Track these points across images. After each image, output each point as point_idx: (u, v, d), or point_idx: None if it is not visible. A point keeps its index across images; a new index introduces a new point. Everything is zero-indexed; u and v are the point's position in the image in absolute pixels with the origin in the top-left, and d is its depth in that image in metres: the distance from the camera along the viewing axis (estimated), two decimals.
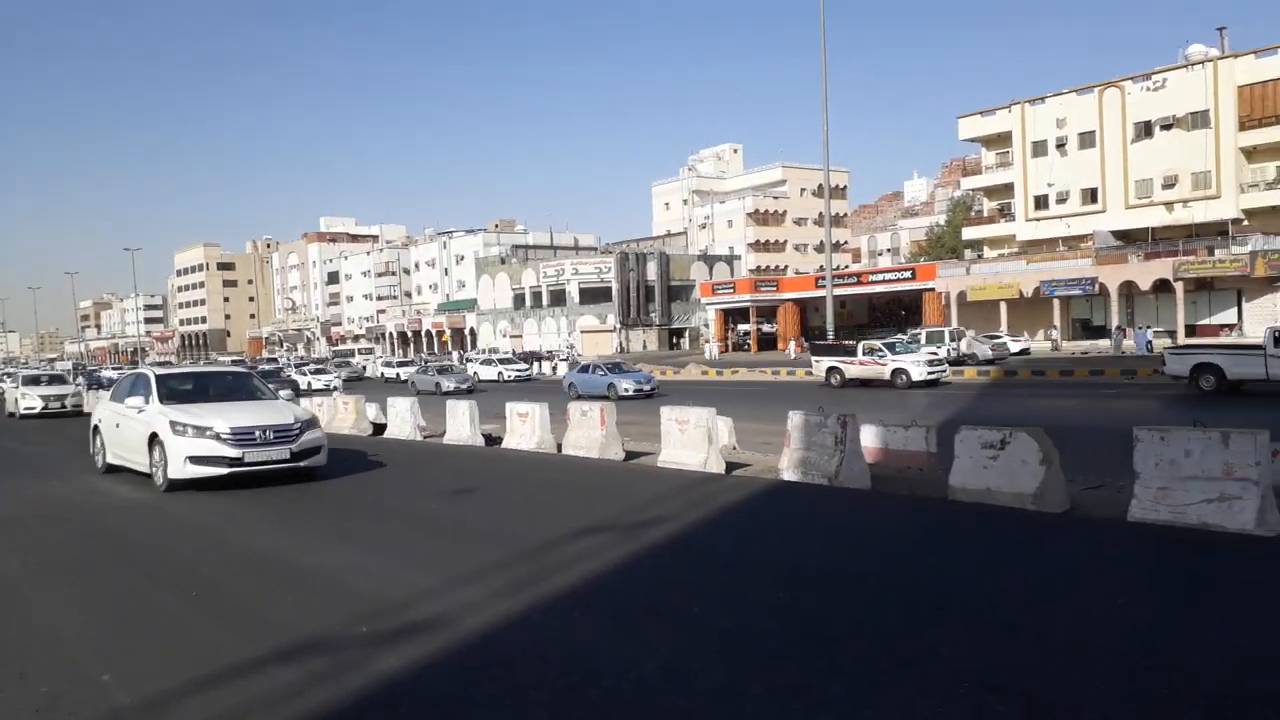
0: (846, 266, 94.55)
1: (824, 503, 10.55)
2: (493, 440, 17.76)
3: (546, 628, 6.08)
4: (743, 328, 69.96)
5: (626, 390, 32.38)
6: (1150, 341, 42.27)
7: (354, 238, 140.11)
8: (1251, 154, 50.67)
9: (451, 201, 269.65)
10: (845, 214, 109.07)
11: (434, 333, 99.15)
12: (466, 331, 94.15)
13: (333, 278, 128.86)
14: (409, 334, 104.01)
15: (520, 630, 6.05)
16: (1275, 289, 46.94)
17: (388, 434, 20.42)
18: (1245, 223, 50.22)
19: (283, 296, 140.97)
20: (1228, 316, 48.55)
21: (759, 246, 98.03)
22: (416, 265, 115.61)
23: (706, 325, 76.00)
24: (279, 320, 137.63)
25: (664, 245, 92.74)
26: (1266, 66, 49.50)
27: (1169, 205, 53.17)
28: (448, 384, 41.85)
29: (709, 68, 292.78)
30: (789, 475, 11.88)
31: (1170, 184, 53.02)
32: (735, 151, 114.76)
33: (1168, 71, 53.46)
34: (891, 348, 33.24)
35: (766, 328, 68.01)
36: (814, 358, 35.68)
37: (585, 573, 7.44)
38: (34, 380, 34.20)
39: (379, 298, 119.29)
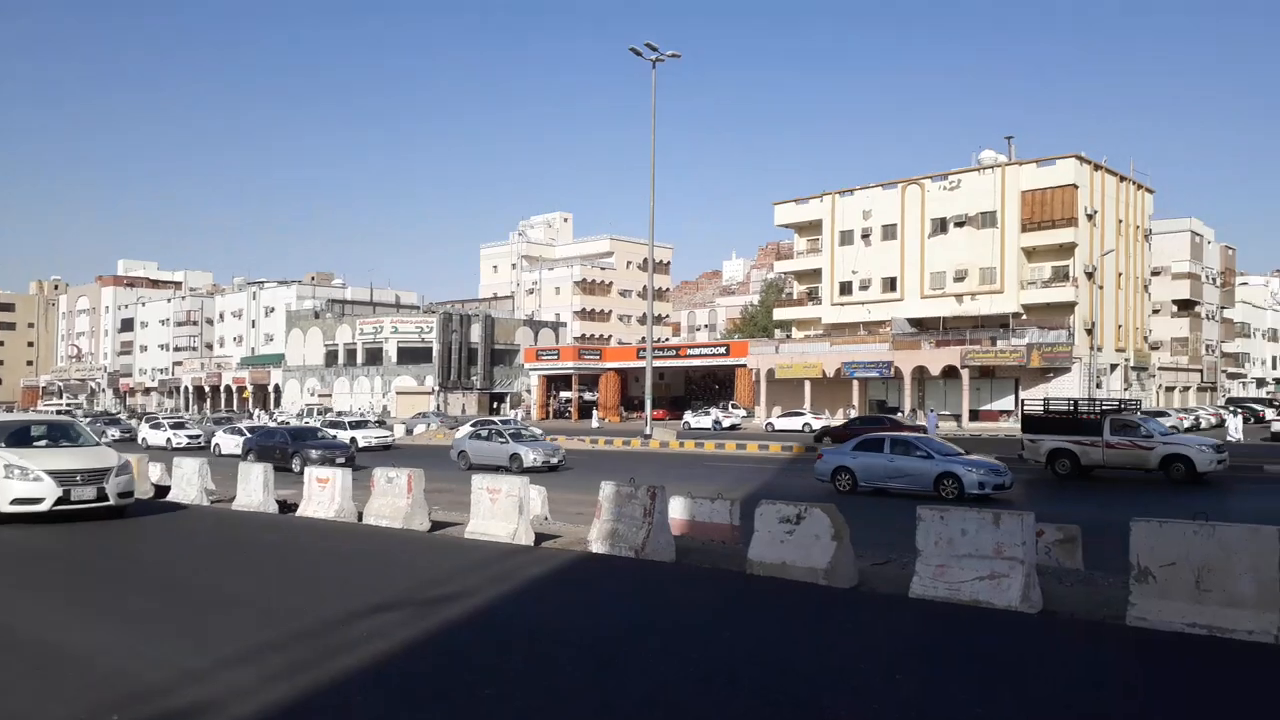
0: (667, 339, 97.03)
1: (629, 576, 10.55)
2: (289, 507, 16.79)
3: (323, 714, 5.69)
4: (565, 395, 70.15)
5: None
6: (938, 424, 45.41)
7: (155, 283, 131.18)
8: (1031, 254, 56.04)
9: (265, 251, 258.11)
10: (668, 289, 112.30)
11: (235, 388, 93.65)
12: (271, 388, 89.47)
13: (127, 325, 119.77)
14: (207, 388, 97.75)
15: (293, 718, 5.63)
16: (1048, 379, 51.77)
17: (171, 497, 18.91)
18: (1024, 317, 55.24)
19: (68, 343, 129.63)
20: (1007, 403, 53.03)
21: (585, 315, 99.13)
22: (221, 316, 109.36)
23: (529, 391, 75.69)
24: (59, 369, 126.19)
25: (490, 308, 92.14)
26: (1046, 175, 55.20)
27: (959, 297, 57.81)
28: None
29: (542, 135, 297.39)
30: (597, 547, 11.84)
31: (961, 277, 57.76)
32: (565, 220, 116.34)
33: (962, 173, 58.65)
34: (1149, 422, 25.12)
35: (588, 395, 68.47)
36: (1028, 436, 25.59)
37: (373, 653, 7.05)
38: None
39: (177, 348, 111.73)
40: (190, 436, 41.53)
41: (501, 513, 12.99)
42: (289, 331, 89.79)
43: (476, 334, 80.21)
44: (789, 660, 7.06)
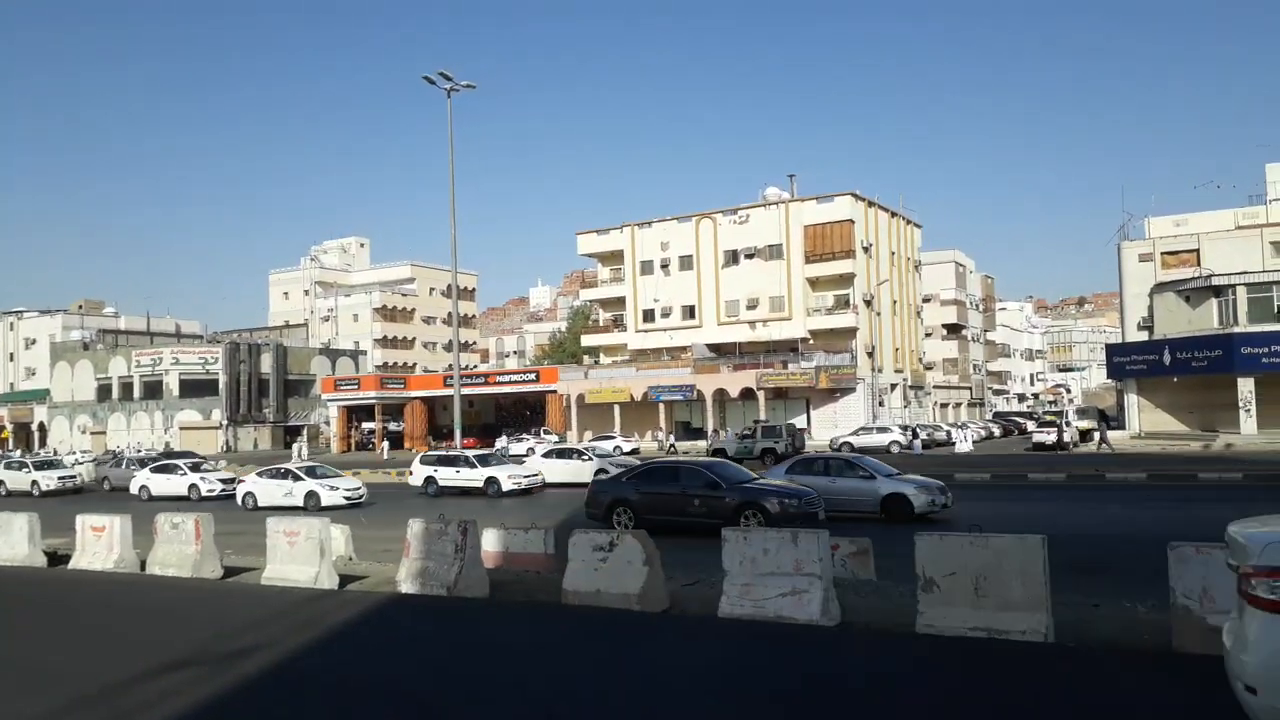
0: (475, 366, 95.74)
1: (440, 616, 10.28)
2: (60, 559, 15.24)
3: None
4: (367, 426, 67.57)
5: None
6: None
7: None
8: (815, 284, 59.61)
9: (24, 276, 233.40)
10: (474, 315, 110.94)
11: None
12: (35, 427, 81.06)
13: None
14: None
15: None
16: (835, 399, 55.09)
17: None
18: (811, 342, 58.63)
19: None
20: (800, 421, 55.89)
21: (387, 343, 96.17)
22: None
23: (327, 423, 72.40)
24: None
25: (282, 336, 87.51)
26: (825, 210, 59.01)
27: (752, 324, 60.60)
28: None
29: (335, 158, 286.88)
30: (407, 587, 11.48)
31: (753, 305, 60.59)
32: (362, 245, 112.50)
33: (751, 209, 61.70)
34: None
35: (393, 426, 66.30)
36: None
37: (164, 715, 6.53)
38: None
39: None
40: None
41: (302, 555, 12.35)
42: (54, 365, 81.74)
43: (268, 364, 76.02)
44: (603, 693, 7.13)
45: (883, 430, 47.55)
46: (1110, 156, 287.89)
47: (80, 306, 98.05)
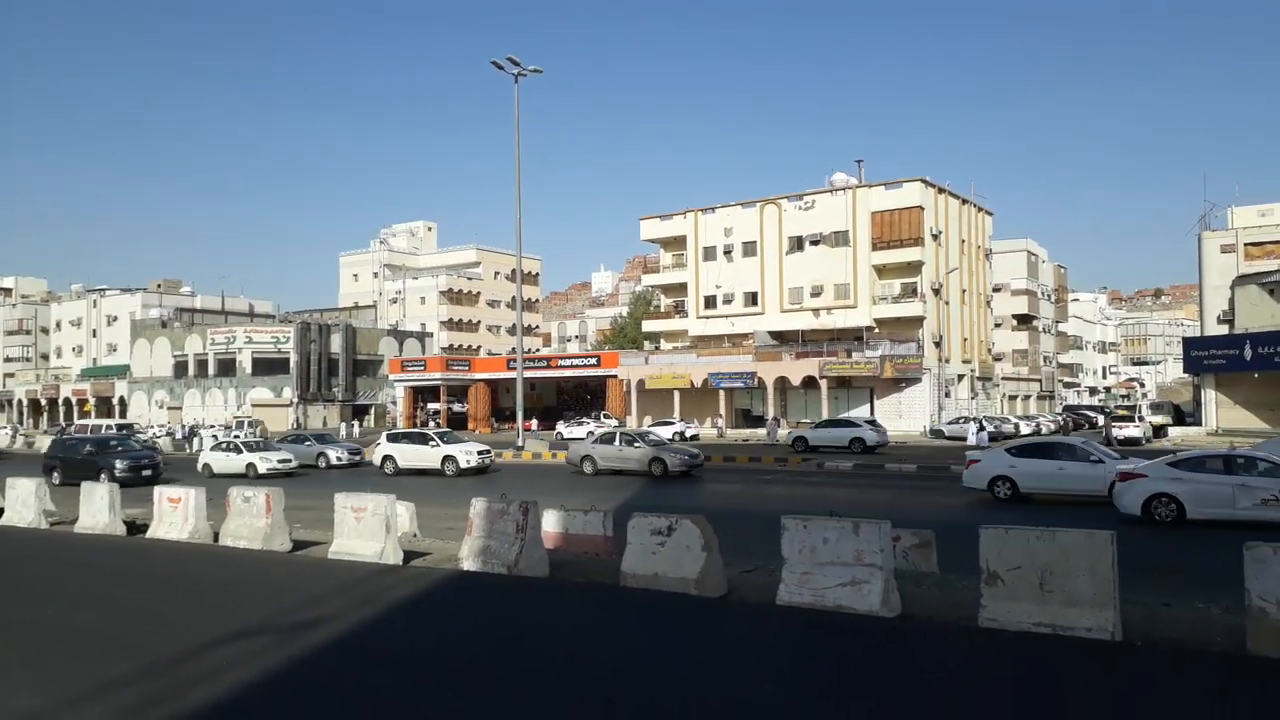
0: (537, 350, 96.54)
1: (501, 594, 10.44)
2: (138, 528, 15.84)
3: None
4: (432, 406, 68.66)
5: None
6: (780, 431, 46.77)
7: None
8: (882, 271, 58.66)
9: (104, 257, 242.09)
10: (537, 299, 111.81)
11: (75, 401, 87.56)
12: (115, 401, 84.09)
13: None
14: (43, 401, 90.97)
15: None
16: (900, 389, 54.26)
17: (4, 520, 17.56)
18: (876, 330, 57.74)
19: None
20: (863, 411, 55.22)
21: (452, 325, 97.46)
22: (58, 324, 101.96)
23: (394, 403, 73.75)
24: None
25: (351, 318, 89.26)
26: (894, 197, 57.97)
27: (816, 311, 59.93)
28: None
29: (404, 144, 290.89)
30: (469, 564, 11.67)
31: (817, 292, 59.89)
32: (429, 229, 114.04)
33: (817, 194, 60.90)
34: None
35: (457, 407, 67.29)
36: None
37: (232, 684, 6.76)
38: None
39: (8, 359, 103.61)
40: (281, 460, 31.96)
41: (368, 531, 12.64)
42: (134, 341, 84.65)
43: (337, 344, 77.63)
44: (661, 676, 7.15)
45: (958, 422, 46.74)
46: (1192, 143, 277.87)
47: (159, 285, 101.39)
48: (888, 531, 9.09)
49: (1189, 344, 52.31)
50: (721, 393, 55.38)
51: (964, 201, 62.99)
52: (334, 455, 34.32)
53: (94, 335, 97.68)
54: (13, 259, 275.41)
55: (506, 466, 34.09)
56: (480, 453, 30.26)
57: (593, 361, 63.03)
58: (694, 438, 47.81)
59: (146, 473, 27.91)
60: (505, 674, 7.18)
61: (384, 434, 35.30)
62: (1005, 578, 8.10)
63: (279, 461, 31.30)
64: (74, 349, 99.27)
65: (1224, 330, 47.57)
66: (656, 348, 66.80)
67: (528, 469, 33.53)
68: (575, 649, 8.00)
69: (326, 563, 12.46)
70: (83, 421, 64.46)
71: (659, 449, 28.53)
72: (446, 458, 29.63)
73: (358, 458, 34.82)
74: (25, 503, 17.46)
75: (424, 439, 31.30)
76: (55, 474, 27.92)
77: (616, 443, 29.29)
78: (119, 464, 27.58)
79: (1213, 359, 47.39)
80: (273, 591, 10.68)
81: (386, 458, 31.25)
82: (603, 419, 56.20)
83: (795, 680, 6.99)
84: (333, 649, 7.98)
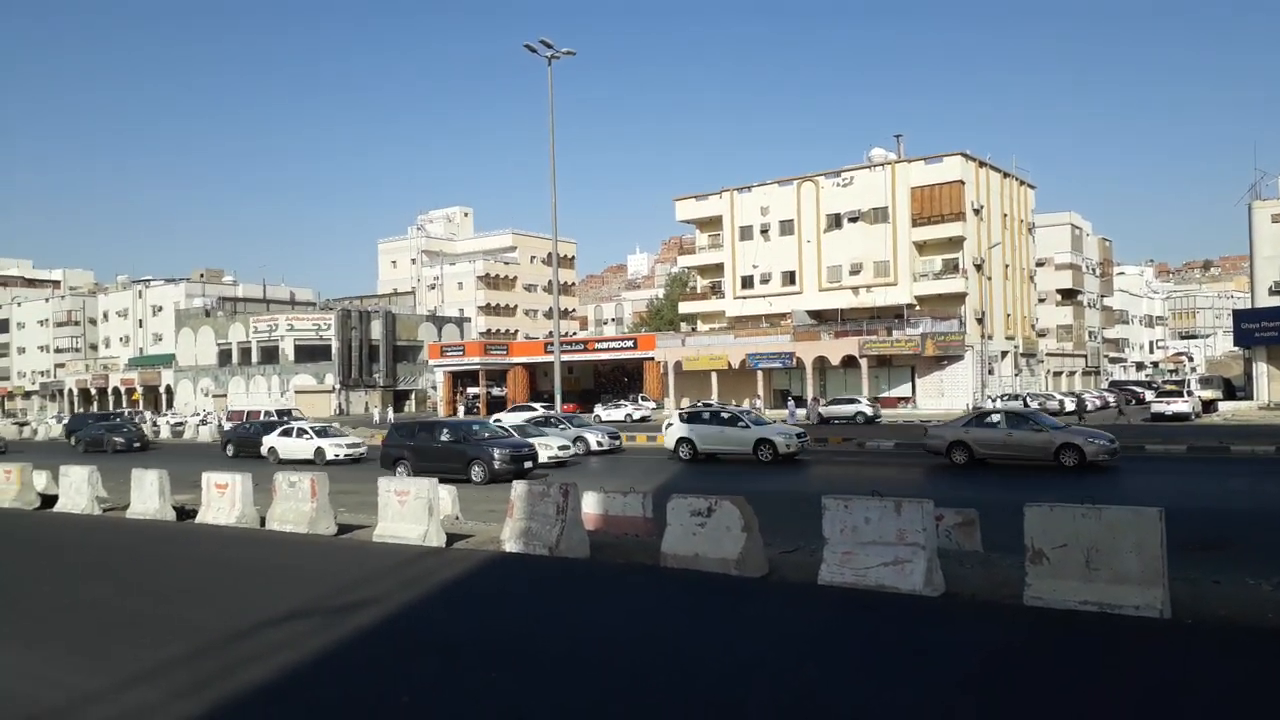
0: (574, 334, 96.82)
1: (542, 575, 10.52)
2: (187, 514, 16.18)
3: None
4: (472, 391, 69.23)
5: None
6: (795, 413, 46.56)
7: (30, 282, 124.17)
8: (923, 247, 57.91)
9: (148, 248, 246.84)
10: (573, 283, 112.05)
11: (124, 390, 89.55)
12: (162, 389, 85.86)
13: (1, 326, 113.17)
14: (93, 390, 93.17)
15: None
16: (942, 367, 53.67)
17: (59, 507, 18.01)
18: (918, 308, 57.09)
19: None
20: (904, 390, 54.76)
21: (490, 310, 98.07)
22: (105, 315, 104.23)
23: (434, 388, 74.48)
24: None
25: (390, 304, 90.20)
26: (934, 172, 57.12)
27: (855, 289, 59.37)
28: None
29: (438, 129, 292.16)
30: (511, 546, 11.77)
31: (856, 270, 59.31)
32: (466, 214, 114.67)
33: (855, 170, 60.16)
34: None
35: (496, 391, 67.77)
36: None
37: (282, 664, 6.89)
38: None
39: (58, 350, 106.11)
40: (351, 444, 31.48)
41: (411, 514, 12.80)
42: (179, 331, 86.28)
43: (377, 331, 78.51)
44: (702, 656, 7.16)
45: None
46: (1241, 109, 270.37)
47: (202, 275, 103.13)
48: (930, 510, 9.00)
49: (1239, 316, 51.12)
50: (760, 373, 55.16)
51: (1005, 175, 61.93)
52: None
53: (140, 325, 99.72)
54: (61, 252, 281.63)
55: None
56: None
57: (629, 344, 63.07)
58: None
59: (528, 464, 22.47)
60: (548, 654, 7.24)
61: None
62: (1050, 556, 7.99)
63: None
64: (121, 339, 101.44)
65: (1275, 302, 46.36)
66: (693, 329, 66.67)
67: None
68: (617, 629, 8.05)
69: (371, 546, 12.64)
70: (236, 409, 61.82)
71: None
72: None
73: None
74: (79, 489, 17.90)
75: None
76: (400, 467, 23.06)
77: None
78: (497, 453, 22.16)
79: (1264, 331, 46.28)
80: (319, 574, 10.86)
81: None
82: (640, 401, 56.32)
83: (840, 659, 6.97)
84: (378, 630, 8.10)
